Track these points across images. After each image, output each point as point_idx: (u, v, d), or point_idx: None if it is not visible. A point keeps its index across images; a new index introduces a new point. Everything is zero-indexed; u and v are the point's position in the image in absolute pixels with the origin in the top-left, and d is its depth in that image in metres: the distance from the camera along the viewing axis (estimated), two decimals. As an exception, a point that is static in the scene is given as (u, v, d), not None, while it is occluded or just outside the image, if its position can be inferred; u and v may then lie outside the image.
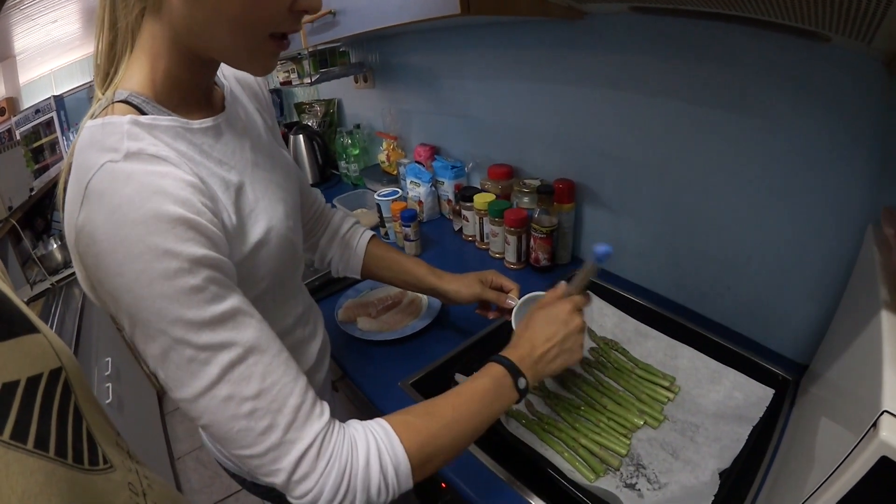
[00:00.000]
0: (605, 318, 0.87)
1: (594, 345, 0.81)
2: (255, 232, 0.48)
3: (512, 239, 1.02)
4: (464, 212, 1.17)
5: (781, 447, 0.61)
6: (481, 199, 1.09)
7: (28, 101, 2.06)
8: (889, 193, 0.58)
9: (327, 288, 1.05)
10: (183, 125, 0.44)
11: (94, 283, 0.39)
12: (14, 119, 1.95)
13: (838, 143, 0.61)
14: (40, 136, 1.98)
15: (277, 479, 0.40)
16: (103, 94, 0.43)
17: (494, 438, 0.67)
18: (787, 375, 0.72)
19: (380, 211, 1.23)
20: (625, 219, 0.95)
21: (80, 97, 2.14)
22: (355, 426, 0.45)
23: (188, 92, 0.47)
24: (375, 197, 1.23)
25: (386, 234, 1.27)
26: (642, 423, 0.67)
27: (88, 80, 2.19)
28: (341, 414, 0.45)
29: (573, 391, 0.74)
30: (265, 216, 0.49)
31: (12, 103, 2.03)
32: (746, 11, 0.53)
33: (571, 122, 0.96)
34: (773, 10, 0.49)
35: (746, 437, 0.63)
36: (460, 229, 1.23)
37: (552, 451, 0.65)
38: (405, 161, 1.41)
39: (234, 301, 0.40)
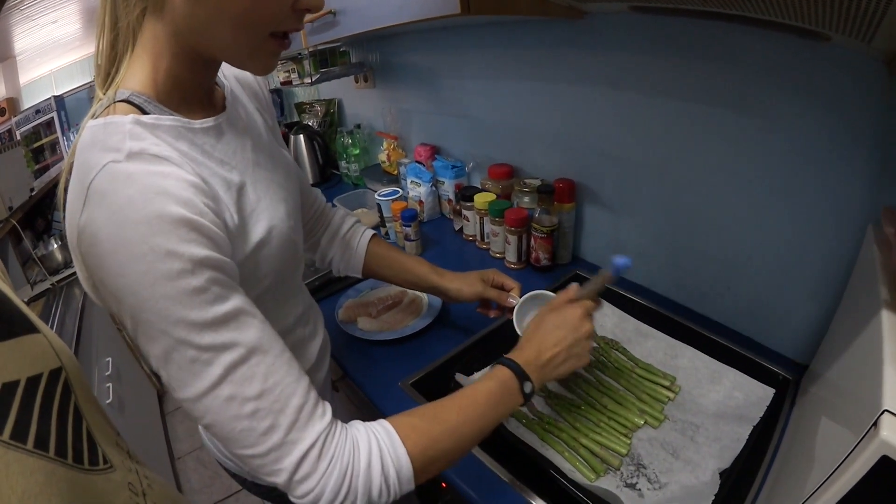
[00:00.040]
0: (606, 318, 0.87)
1: (595, 344, 0.81)
2: (257, 231, 0.48)
3: (512, 239, 1.02)
4: (464, 211, 1.17)
5: (782, 447, 0.61)
6: (482, 199, 1.09)
7: (28, 102, 2.07)
8: (889, 193, 0.58)
9: (327, 288, 1.05)
10: (185, 125, 0.44)
11: (96, 283, 0.39)
12: (14, 119, 1.95)
13: (838, 143, 0.61)
14: (41, 137, 1.99)
15: (279, 479, 0.40)
16: (104, 94, 0.43)
17: (495, 438, 0.67)
18: (787, 375, 0.72)
19: (380, 211, 1.24)
20: (625, 218, 0.95)
21: (80, 97, 2.14)
22: (358, 427, 0.45)
23: (190, 91, 0.47)
24: (376, 197, 1.23)
25: (386, 233, 1.27)
26: (643, 422, 0.67)
27: (89, 80, 2.19)
28: (341, 414, 0.45)
29: (574, 391, 0.74)
30: (267, 216, 0.50)
31: (13, 103, 2.03)
32: (747, 11, 0.53)
33: (572, 121, 0.96)
34: (773, 10, 0.49)
35: (747, 437, 0.63)
36: (461, 229, 1.23)
37: (552, 451, 0.65)
38: (405, 161, 1.41)
39: (236, 302, 0.40)
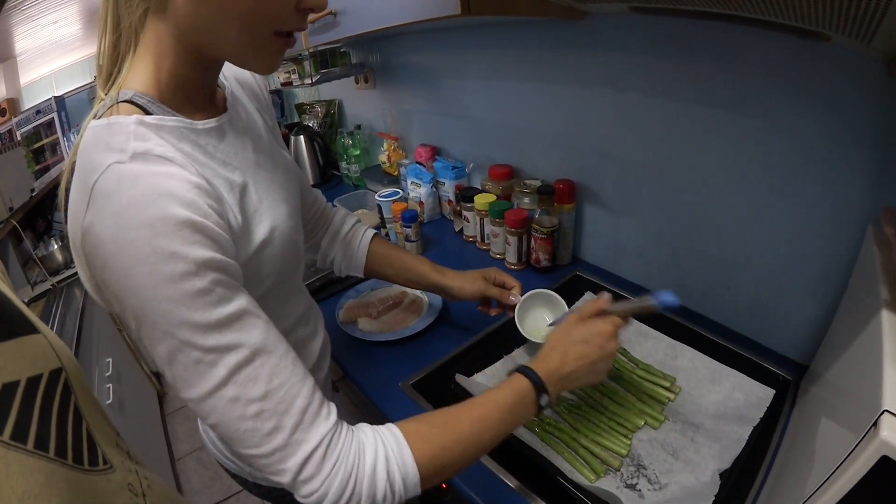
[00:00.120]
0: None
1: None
2: (260, 232, 0.48)
3: (513, 239, 1.02)
4: (464, 212, 1.17)
5: (782, 447, 0.61)
6: (482, 200, 1.09)
7: (29, 102, 2.07)
8: (889, 193, 0.58)
9: (328, 289, 1.05)
10: (188, 126, 0.44)
11: (99, 284, 0.39)
12: (15, 120, 1.95)
13: (838, 143, 0.61)
14: (41, 137, 1.99)
15: (283, 479, 0.40)
16: (106, 95, 0.42)
17: (495, 439, 0.67)
18: (787, 376, 0.72)
19: (380, 211, 1.24)
20: (625, 219, 0.95)
21: (80, 98, 2.14)
22: (365, 430, 0.45)
23: (192, 92, 0.47)
24: (376, 197, 1.23)
25: (387, 234, 1.27)
26: (643, 423, 0.67)
27: (89, 80, 2.20)
28: (342, 414, 0.45)
29: (574, 392, 0.74)
30: (269, 216, 0.50)
31: (13, 104, 2.03)
32: (746, 11, 0.53)
33: (572, 122, 0.96)
34: (773, 10, 0.49)
35: (747, 438, 0.63)
36: (461, 230, 1.23)
37: (553, 452, 0.65)
38: (406, 162, 1.41)
39: (240, 303, 0.40)
